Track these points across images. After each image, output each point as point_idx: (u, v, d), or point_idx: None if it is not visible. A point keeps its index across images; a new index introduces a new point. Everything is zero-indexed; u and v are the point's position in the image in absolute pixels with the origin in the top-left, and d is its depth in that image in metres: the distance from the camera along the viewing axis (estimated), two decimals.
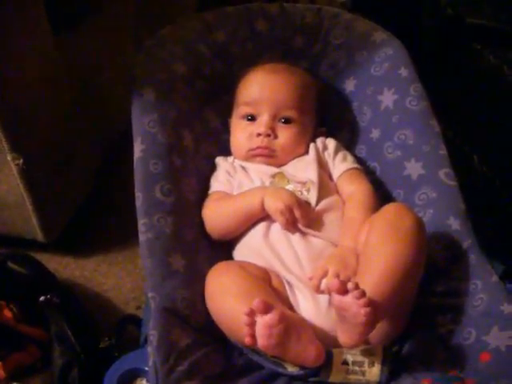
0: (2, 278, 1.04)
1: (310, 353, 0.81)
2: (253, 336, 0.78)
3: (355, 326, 0.79)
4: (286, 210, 0.93)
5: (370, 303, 0.77)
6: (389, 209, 0.91)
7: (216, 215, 1.00)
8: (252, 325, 0.78)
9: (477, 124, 1.43)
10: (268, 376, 0.86)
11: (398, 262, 0.83)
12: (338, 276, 0.86)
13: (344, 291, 0.78)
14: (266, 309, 0.78)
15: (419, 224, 0.88)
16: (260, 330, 0.78)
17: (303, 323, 0.83)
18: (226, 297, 0.86)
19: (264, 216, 0.96)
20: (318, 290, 0.87)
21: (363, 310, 0.77)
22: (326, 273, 0.87)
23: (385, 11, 1.67)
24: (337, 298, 0.79)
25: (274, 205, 0.94)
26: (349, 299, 0.78)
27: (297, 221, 0.93)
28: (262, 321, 0.78)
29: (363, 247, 0.88)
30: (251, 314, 0.78)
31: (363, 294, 0.77)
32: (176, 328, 0.85)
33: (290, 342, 0.79)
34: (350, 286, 0.78)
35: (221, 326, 0.88)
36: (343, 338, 0.82)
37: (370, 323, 0.78)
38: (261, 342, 0.78)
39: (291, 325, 0.80)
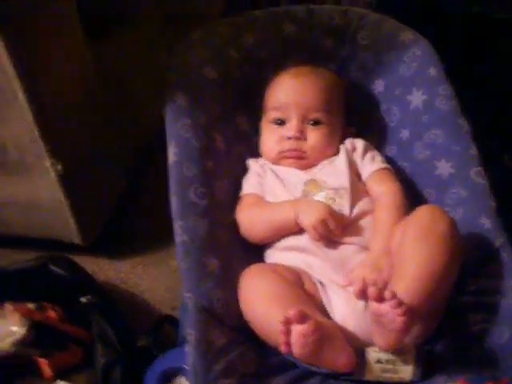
0: (45, 281, 1.07)
1: (342, 360, 0.82)
2: (288, 344, 0.79)
3: (391, 332, 0.80)
4: (319, 225, 0.92)
5: (407, 311, 0.78)
6: (422, 212, 0.90)
7: (251, 224, 1.00)
8: (287, 333, 0.79)
9: (507, 122, 1.41)
10: (302, 374, 0.87)
11: (433, 266, 0.83)
12: (375, 283, 0.87)
13: (381, 299, 0.79)
14: (302, 318, 0.79)
15: (453, 226, 0.88)
16: (295, 338, 0.79)
17: (336, 330, 0.84)
18: (259, 301, 0.87)
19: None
20: (358, 296, 0.88)
21: (400, 319, 0.77)
22: (363, 281, 0.88)
23: (410, 10, 1.66)
24: (374, 305, 0.80)
25: (307, 221, 0.93)
26: (386, 307, 0.78)
27: (331, 232, 0.93)
28: (298, 330, 0.79)
29: (397, 251, 0.88)
30: (287, 322, 0.79)
31: (400, 303, 0.78)
32: (213, 328, 0.87)
33: (322, 350, 0.81)
34: (387, 294, 0.78)
35: (255, 329, 0.89)
36: (379, 341, 0.83)
37: (406, 330, 0.79)
38: (295, 350, 0.79)
39: (325, 333, 0.81)
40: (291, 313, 0.78)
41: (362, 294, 0.87)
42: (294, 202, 0.99)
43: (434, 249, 0.84)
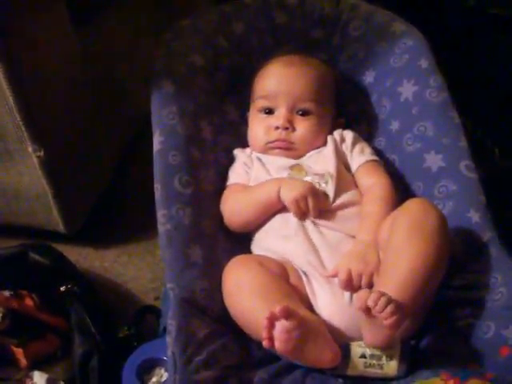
0: (24, 269, 1.05)
1: (326, 356, 0.81)
2: (271, 339, 0.78)
3: (381, 329, 0.79)
4: (300, 199, 0.93)
5: (397, 310, 0.77)
6: (412, 205, 0.89)
7: (234, 207, 1.00)
8: (271, 328, 0.78)
9: (498, 116, 1.41)
10: (285, 367, 0.86)
11: (423, 262, 0.82)
12: (360, 275, 0.87)
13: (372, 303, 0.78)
14: (288, 314, 0.78)
15: (443, 221, 0.87)
16: (278, 334, 0.78)
17: (320, 326, 0.84)
18: (243, 295, 0.86)
19: (281, 208, 0.97)
20: (342, 287, 0.87)
21: (390, 319, 0.77)
22: (349, 272, 0.87)
23: (405, 2, 1.65)
24: (365, 304, 0.79)
25: (289, 194, 0.94)
26: (375, 305, 0.77)
27: (313, 210, 0.93)
28: (281, 326, 0.78)
29: (387, 245, 0.87)
30: (272, 318, 0.78)
31: (390, 301, 0.77)
32: (194, 318, 0.86)
33: (306, 347, 0.80)
34: (375, 296, 0.77)
35: (238, 322, 0.88)
36: (368, 338, 0.82)
37: (397, 327, 0.79)
38: (278, 345, 0.78)
39: (308, 329, 0.80)
40: (277, 309, 0.78)
41: (347, 285, 0.87)
42: (277, 179, 0.99)
43: (424, 244, 0.83)
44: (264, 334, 0.78)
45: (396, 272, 0.83)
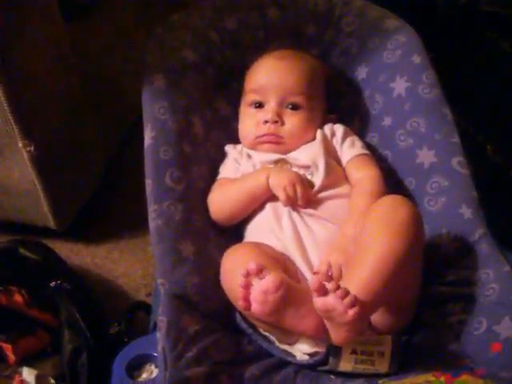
0: (14, 264, 1.05)
1: (307, 325, 0.80)
2: (247, 300, 0.77)
3: (343, 325, 0.77)
4: (289, 185, 0.93)
5: (356, 301, 0.75)
6: (384, 201, 0.88)
7: (220, 198, 0.99)
8: (247, 287, 0.77)
9: (490, 113, 1.41)
10: (277, 364, 0.86)
11: (390, 255, 0.80)
12: (340, 268, 0.86)
13: (325, 292, 0.76)
14: (261, 272, 0.76)
15: (414, 216, 0.85)
16: (255, 294, 0.77)
17: (306, 296, 0.80)
18: (238, 271, 0.83)
19: (270, 198, 0.96)
20: (324, 280, 0.85)
21: (350, 311, 0.74)
22: (328, 264, 0.86)
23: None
24: (319, 300, 0.76)
25: (278, 181, 0.94)
26: (331, 300, 0.75)
27: (301, 198, 0.93)
28: (258, 286, 0.76)
29: (357, 239, 0.86)
30: (247, 275, 0.77)
31: (347, 293, 0.75)
32: (185, 314, 0.85)
33: (286, 312, 0.78)
34: (330, 286, 0.76)
35: (233, 302, 0.87)
36: (333, 336, 0.79)
37: (358, 321, 0.76)
38: (254, 307, 0.77)
39: (291, 294, 0.78)
40: (252, 265, 0.76)
41: (327, 277, 0.82)
42: (265, 168, 0.99)
43: (391, 238, 0.82)
44: (239, 294, 0.77)
45: (361, 266, 0.81)
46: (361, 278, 0.79)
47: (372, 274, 0.80)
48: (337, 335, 0.79)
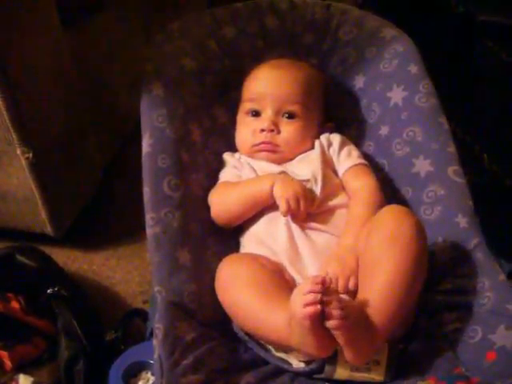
0: (10, 271, 1.04)
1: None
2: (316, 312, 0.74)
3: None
4: (292, 199, 0.92)
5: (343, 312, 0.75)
6: (387, 215, 0.88)
7: (223, 199, 1.00)
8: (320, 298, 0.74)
9: (488, 122, 1.42)
10: (273, 372, 0.86)
11: (401, 275, 0.81)
12: (337, 278, 0.86)
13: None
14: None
15: (418, 228, 0.85)
16: (335, 307, 0.74)
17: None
18: (238, 285, 0.85)
19: (270, 207, 0.96)
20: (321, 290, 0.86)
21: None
22: (326, 274, 0.86)
23: (395, 8, 1.66)
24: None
25: (282, 192, 0.93)
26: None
27: (299, 212, 0.93)
28: (338, 300, 0.75)
29: (362, 255, 0.87)
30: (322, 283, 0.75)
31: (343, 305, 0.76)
32: (182, 322, 0.85)
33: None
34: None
35: (230, 315, 0.87)
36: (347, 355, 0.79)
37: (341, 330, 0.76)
38: (334, 323, 0.74)
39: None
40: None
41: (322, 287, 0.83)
42: (272, 174, 0.99)
43: (400, 256, 0.82)
44: (309, 298, 0.74)
45: (372, 288, 0.82)
46: (374, 301, 0.80)
47: (385, 296, 0.80)
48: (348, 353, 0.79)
